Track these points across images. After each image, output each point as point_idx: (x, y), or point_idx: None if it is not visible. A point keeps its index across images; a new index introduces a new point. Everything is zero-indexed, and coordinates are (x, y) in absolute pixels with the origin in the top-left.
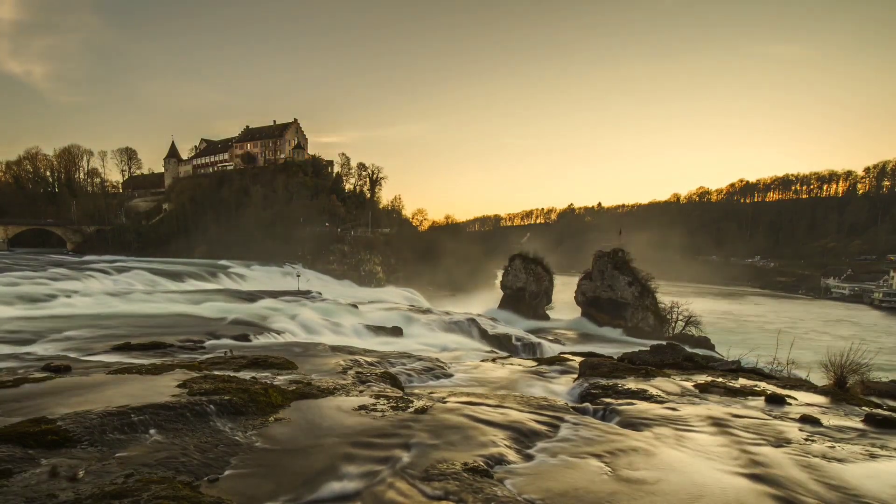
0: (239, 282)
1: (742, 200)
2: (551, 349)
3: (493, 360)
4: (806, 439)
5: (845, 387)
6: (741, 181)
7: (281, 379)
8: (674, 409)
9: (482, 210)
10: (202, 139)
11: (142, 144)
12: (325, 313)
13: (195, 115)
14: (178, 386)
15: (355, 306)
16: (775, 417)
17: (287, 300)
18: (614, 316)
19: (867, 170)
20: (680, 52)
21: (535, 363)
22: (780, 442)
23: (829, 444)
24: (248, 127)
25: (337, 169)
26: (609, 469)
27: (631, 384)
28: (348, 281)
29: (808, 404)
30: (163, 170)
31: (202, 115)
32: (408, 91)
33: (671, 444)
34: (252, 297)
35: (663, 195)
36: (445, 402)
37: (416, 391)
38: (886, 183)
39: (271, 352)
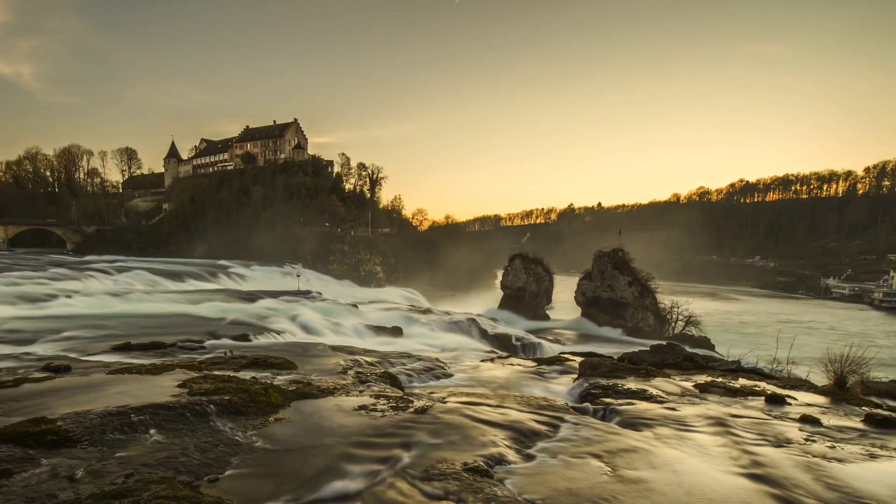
0: (239, 282)
1: (742, 200)
2: (551, 349)
3: (493, 360)
4: (806, 439)
5: (845, 387)
6: (741, 181)
7: (281, 379)
8: (674, 409)
9: (482, 210)
10: (202, 139)
11: (141, 145)
12: (325, 313)
13: (195, 115)
14: (178, 386)
15: (355, 306)
16: (775, 417)
17: (287, 300)
18: (614, 316)
19: (867, 170)
20: (680, 51)
21: (535, 363)
22: (780, 442)
23: (829, 444)
24: (248, 127)
25: (337, 169)
26: (609, 469)
27: (631, 384)
28: (348, 281)
29: (808, 404)
30: (163, 170)
31: (202, 115)
32: (407, 90)
33: (671, 444)
34: (252, 297)
35: (663, 195)
36: (445, 402)
37: (416, 391)
38: (886, 183)
39: (271, 352)
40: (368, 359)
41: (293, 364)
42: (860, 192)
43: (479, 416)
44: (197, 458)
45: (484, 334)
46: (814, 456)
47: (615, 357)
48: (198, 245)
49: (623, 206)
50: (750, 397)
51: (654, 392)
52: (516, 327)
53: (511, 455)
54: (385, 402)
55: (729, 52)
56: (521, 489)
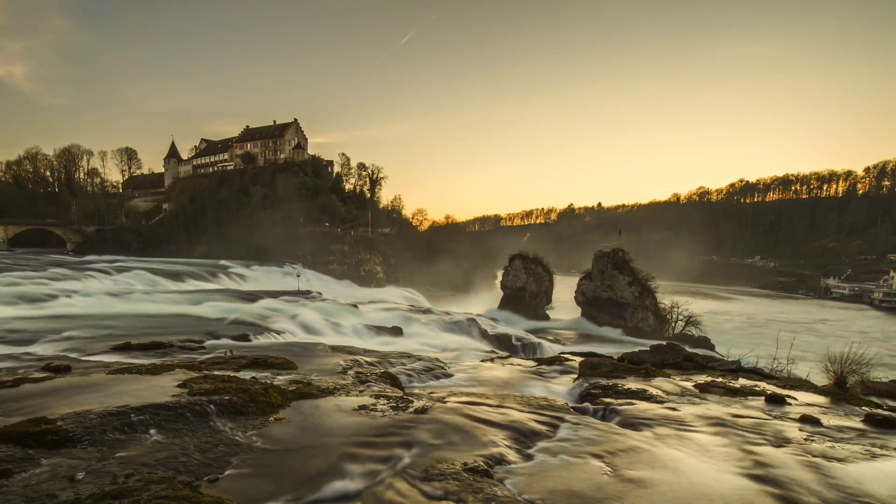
0: (239, 282)
1: (742, 200)
2: (551, 349)
3: (493, 360)
4: (806, 439)
5: (845, 387)
6: (741, 181)
7: (281, 379)
8: (674, 408)
9: (482, 210)
10: (202, 139)
11: (141, 145)
12: (325, 313)
13: (195, 115)
14: (178, 386)
15: (355, 306)
16: (775, 417)
17: (287, 300)
18: (614, 316)
19: (867, 170)
20: (680, 51)
21: (535, 363)
22: (781, 442)
23: (829, 443)
24: (248, 127)
25: (337, 169)
26: (609, 469)
27: (631, 384)
28: (348, 281)
29: (808, 404)
30: (163, 170)
31: (202, 115)
32: (407, 90)
33: (671, 444)
34: (252, 297)
35: (663, 195)
36: (445, 402)
37: (416, 391)
38: (886, 183)
39: (271, 352)
40: (368, 359)
41: (293, 364)
42: (860, 192)
43: (479, 416)
44: (197, 458)
45: (484, 334)
46: (814, 456)
47: (615, 357)
48: (198, 245)
49: (623, 206)
50: (750, 397)
51: (654, 392)
52: (516, 327)
53: (511, 455)
54: (385, 402)
55: (729, 52)
56: (522, 489)
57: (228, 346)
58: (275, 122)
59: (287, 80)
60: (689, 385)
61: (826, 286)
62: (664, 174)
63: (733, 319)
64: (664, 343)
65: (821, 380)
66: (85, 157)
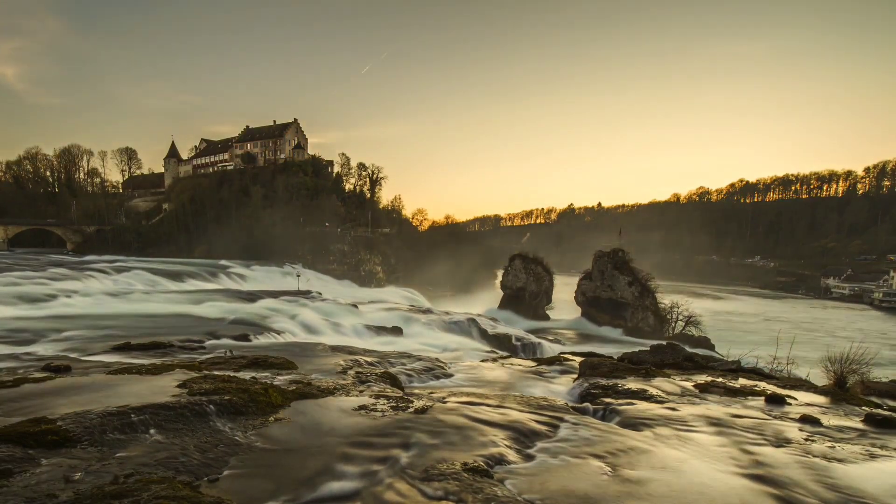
0: (239, 282)
1: (742, 200)
2: (551, 349)
3: (493, 360)
4: (806, 439)
5: (845, 387)
6: (741, 181)
7: (281, 379)
8: (674, 409)
9: (482, 210)
10: (202, 139)
11: (141, 145)
12: (325, 313)
13: (195, 115)
14: (178, 386)
15: (355, 306)
16: (775, 417)
17: (287, 300)
18: (614, 316)
19: (867, 170)
20: (680, 51)
21: (535, 363)
22: (781, 442)
23: (829, 444)
24: (248, 127)
25: (337, 169)
26: (609, 469)
27: (631, 384)
28: (348, 281)
29: (808, 404)
30: (163, 170)
31: (202, 115)
32: (408, 90)
33: (671, 444)
34: (252, 297)
35: (663, 195)
36: (445, 402)
37: (416, 391)
38: (886, 183)
39: (271, 352)
40: (368, 359)
41: (293, 364)
42: (860, 192)
43: (479, 416)
44: (197, 458)
45: (484, 334)
46: (814, 456)
47: (615, 357)
48: (198, 245)
49: (623, 206)
50: (750, 397)
51: (654, 392)
52: (516, 327)
53: (511, 455)
54: (385, 402)
55: (729, 52)
56: (521, 489)
57: (228, 346)
58: (275, 122)
59: (287, 81)
60: (689, 385)
61: (826, 286)
62: (664, 174)
63: (733, 319)
64: (664, 343)
65: (821, 380)
66: (85, 157)
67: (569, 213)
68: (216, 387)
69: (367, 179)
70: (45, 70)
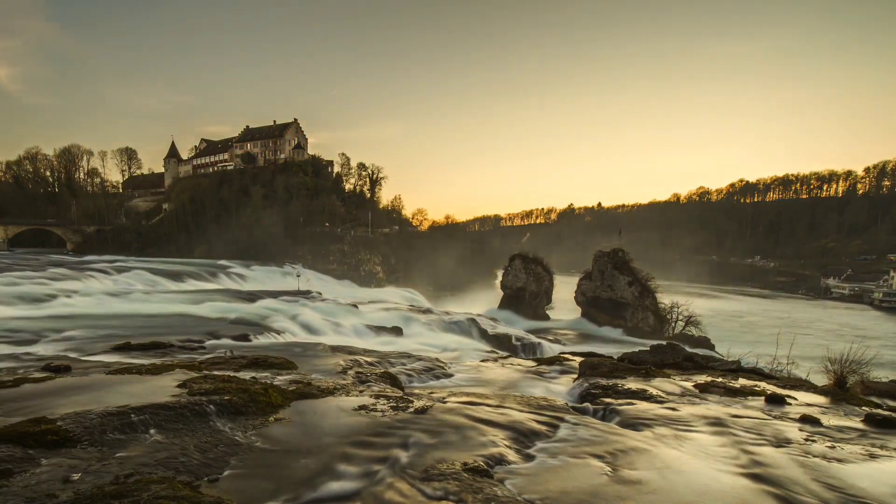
0: (239, 282)
1: (742, 200)
2: (551, 349)
3: (493, 360)
4: (806, 439)
5: (845, 387)
6: (741, 181)
7: (281, 379)
8: (674, 409)
9: (482, 210)
10: (202, 139)
11: (141, 145)
12: (325, 313)
13: (195, 115)
14: (178, 386)
15: (355, 306)
16: (775, 417)
17: (287, 300)
18: (614, 316)
19: (867, 170)
20: (681, 50)
21: (535, 363)
22: (780, 442)
23: (829, 444)
24: (248, 127)
25: (337, 169)
26: (609, 469)
27: (631, 384)
28: (348, 281)
29: (808, 404)
30: (163, 170)
31: (202, 115)
32: (408, 90)
33: (671, 445)
34: (252, 297)
35: (663, 195)
36: (445, 402)
37: (416, 391)
38: (886, 183)
39: (271, 352)
40: (368, 359)
41: (293, 364)
42: (860, 192)
43: (479, 416)
44: (197, 458)
45: (484, 334)
46: (814, 456)
47: (615, 357)
48: (198, 245)
49: (623, 206)
50: (750, 397)
51: (654, 392)
52: (516, 327)
53: (511, 455)
54: (385, 402)
55: (729, 52)
56: (521, 489)
57: (228, 345)
58: (275, 122)
59: (287, 80)
60: (689, 385)
61: (826, 286)
62: (664, 174)
63: (733, 319)
64: (664, 343)
65: (821, 380)
66: (85, 157)
67: (569, 213)
68: (216, 387)
69: (367, 179)
70: (37, 71)
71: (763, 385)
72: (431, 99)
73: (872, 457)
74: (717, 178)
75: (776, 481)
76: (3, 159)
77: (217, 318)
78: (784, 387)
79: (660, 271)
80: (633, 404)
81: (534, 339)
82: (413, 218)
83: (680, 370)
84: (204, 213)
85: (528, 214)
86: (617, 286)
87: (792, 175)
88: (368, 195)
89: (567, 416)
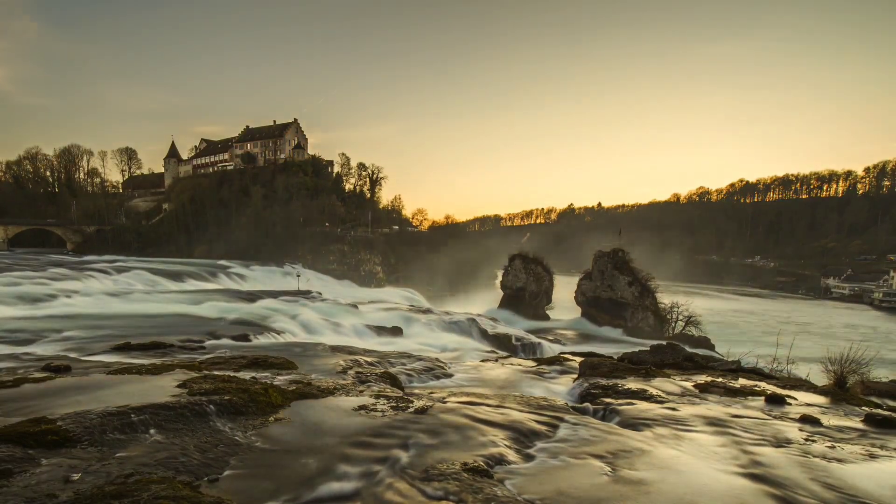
0: (239, 282)
1: (742, 200)
2: (551, 349)
3: (494, 360)
4: (806, 439)
5: (845, 387)
6: (741, 181)
7: (281, 379)
8: (674, 409)
9: (482, 210)
10: (202, 139)
11: (141, 145)
12: (325, 313)
13: (195, 115)
14: (178, 386)
15: (355, 306)
16: (775, 417)
17: (287, 300)
18: (614, 316)
19: (867, 170)
20: (681, 50)
21: (535, 363)
22: (780, 442)
23: (829, 444)
24: (248, 127)
25: (337, 169)
26: (609, 469)
27: (631, 384)
28: (348, 281)
29: (808, 404)
30: (163, 170)
31: (202, 115)
32: (407, 90)
33: (671, 445)
34: (252, 297)
35: (663, 195)
36: (445, 402)
37: (417, 391)
38: (886, 183)
39: (271, 352)
40: (368, 359)
41: (293, 364)
42: (860, 192)
43: (479, 416)
44: (197, 458)
45: (484, 334)
46: (814, 456)
47: (615, 357)
48: (198, 245)
49: (623, 206)
50: (750, 397)
51: (654, 392)
52: (516, 327)
53: (511, 455)
54: (385, 402)
55: (729, 52)
56: (521, 489)
57: (228, 346)
58: (275, 122)
59: (287, 81)
60: (689, 385)
61: (826, 286)
62: (664, 174)
63: (733, 319)
64: (664, 343)
65: (821, 380)
66: (85, 157)
67: (569, 213)
68: (216, 387)
69: (367, 179)
70: (37, 71)
71: (763, 385)
72: (431, 99)
73: (872, 457)
74: (717, 178)
75: (776, 481)
76: (3, 159)
77: (217, 318)
78: (784, 387)
79: (660, 271)
80: (633, 404)
81: (534, 339)
82: (413, 218)
83: (680, 370)
84: (204, 213)
85: (528, 214)
86: (617, 286)
87: (792, 175)
88: (368, 195)
89: (567, 416)
